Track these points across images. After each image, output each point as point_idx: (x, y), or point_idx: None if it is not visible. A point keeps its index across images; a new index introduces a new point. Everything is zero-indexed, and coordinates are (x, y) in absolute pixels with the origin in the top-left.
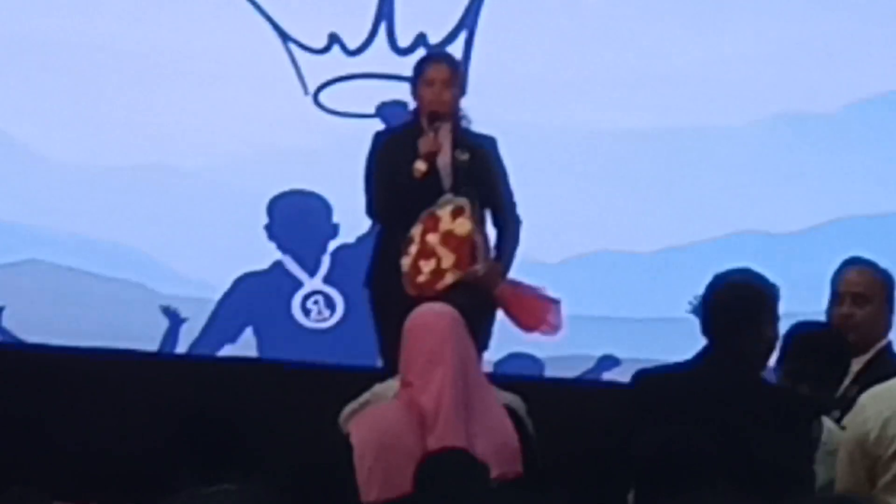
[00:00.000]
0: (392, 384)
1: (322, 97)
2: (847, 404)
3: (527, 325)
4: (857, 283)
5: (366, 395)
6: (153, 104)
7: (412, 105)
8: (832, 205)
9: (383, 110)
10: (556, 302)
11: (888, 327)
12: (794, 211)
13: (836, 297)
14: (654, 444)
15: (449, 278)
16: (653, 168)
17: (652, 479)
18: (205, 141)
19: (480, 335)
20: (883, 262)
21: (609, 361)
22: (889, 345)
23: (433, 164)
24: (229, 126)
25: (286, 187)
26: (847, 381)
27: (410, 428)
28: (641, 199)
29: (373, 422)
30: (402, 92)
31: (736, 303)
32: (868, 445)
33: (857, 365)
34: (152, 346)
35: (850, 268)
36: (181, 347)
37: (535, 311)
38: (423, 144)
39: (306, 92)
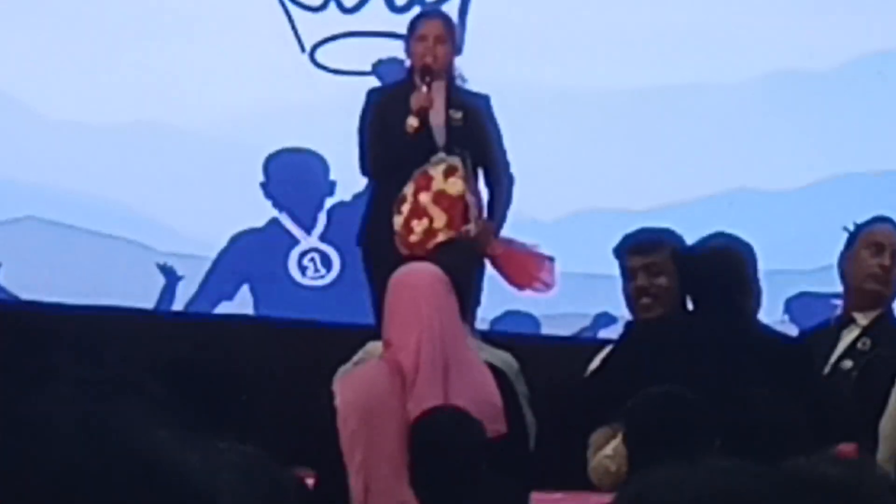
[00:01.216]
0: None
1: (319, 55)
2: (858, 355)
3: (519, 282)
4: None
5: (359, 354)
6: (151, 62)
7: (408, 63)
8: (828, 162)
9: (379, 68)
10: (549, 259)
11: None
12: (789, 168)
13: (876, 248)
14: (648, 405)
15: (441, 238)
16: (647, 125)
17: (648, 441)
18: (202, 99)
19: (468, 294)
20: None
21: (605, 319)
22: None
23: (426, 120)
24: (227, 84)
25: (283, 145)
26: (856, 333)
27: (393, 389)
28: (636, 157)
29: (356, 384)
30: (399, 50)
31: (722, 271)
32: None
33: (864, 319)
34: (149, 303)
35: (886, 224)
36: (178, 305)
37: (528, 268)
38: (415, 100)
39: (303, 50)
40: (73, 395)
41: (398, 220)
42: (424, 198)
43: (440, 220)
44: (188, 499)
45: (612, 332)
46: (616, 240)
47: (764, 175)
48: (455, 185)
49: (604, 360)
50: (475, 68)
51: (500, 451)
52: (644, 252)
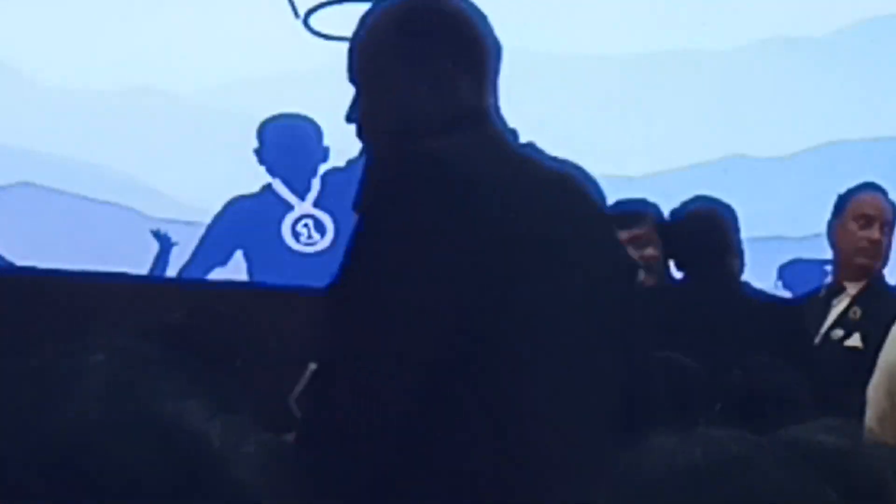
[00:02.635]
0: None
1: (312, 20)
2: (850, 324)
3: None
4: (887, 211)
5: None
6: (144, 28)
7: None
8: (822, 129)
9: None
10: None
11: None
12: (783, 135)
13: (865, 220)
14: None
15: None
16: (640, 92)
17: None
18: (195, 64)
19: None
20: None
21: None
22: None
23: None
24: (220, 50)
25: (276, 111)
26: (847, 302)
27: None
28: (629, 123)
29: None
30: None
31: (708, 234)
32: None
33: (854, 288)
34: (142, 269)
35: (875, 193)
36: (171, 271)
37: None
38: None
39: (297, 15)
40: (105, 360)
41: None
42: None
43: None
44: (203, 467)
45: None
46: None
47: (758, 142)
48: None
49: None
50: None
51: None
52: (629, 225)
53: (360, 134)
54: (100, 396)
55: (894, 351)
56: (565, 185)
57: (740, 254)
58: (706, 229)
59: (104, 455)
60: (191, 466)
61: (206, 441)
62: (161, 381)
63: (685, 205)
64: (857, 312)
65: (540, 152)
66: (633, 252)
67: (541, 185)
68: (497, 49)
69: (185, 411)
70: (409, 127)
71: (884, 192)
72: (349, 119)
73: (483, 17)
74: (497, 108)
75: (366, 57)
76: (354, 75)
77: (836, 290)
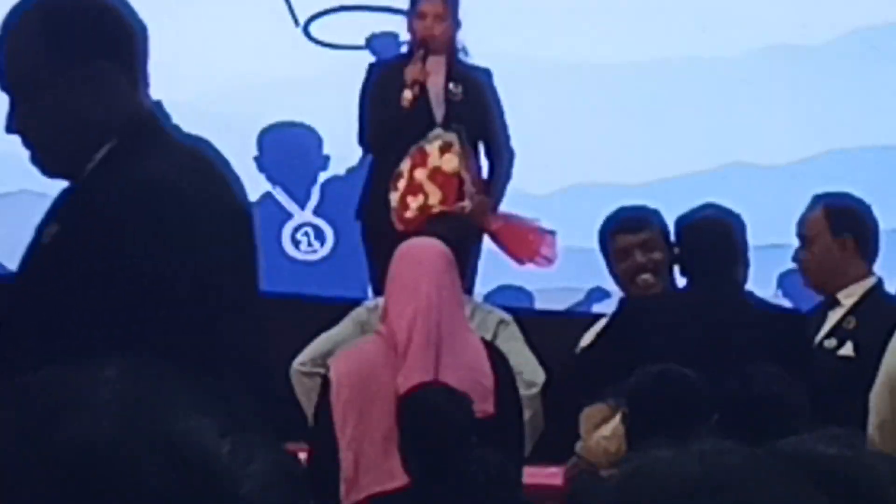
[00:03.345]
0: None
1: (313, 29)
2: (843, 334)
3: (520, 257)
4: (802, 225)
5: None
6: None
7: (403, 36)
8: (822, 137)
9: (373, 42)
10: (550, 233)
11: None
12: (785, 143)
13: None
14: (647, 383)
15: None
16: (643, 99)
17: (646, 419)
18: (195, 72)
19: (465, 269)
20: (873, 195)
21: (599, 294)
22: (879, 281)
23: (424, 94)
24: (221, 57)
25: (277, 119)
26: (842, 313)
27: (386, 362)
28: (631, 131)
29: (350, 356)
30: (392, 23)
31: (715, 242)
32: None
33: (848, 299)
34: None
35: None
36: None
37: (529, 243)
38: (409, 73)
39: (297, 24)
40: (118, 375)
41: (394, 197)
42: (420, 174)
43: (435, 196)
44: (211, 483)
45: (606, 307)
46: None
47: (758, 149)
48: (450, 162)
49: (598, 335)
50: (469, 42)
51: (490, 428)
52: (636, 230)
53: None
54: (112, 410)
55: (895, 358)
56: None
57: (746, 262)
58: (713, 236)
59: (114, 467)
60: (199, 481)
61: (215, 459)
62: (173, 397)
63: (694, 212)
64: (850, 322)
65: (211, 147)
66: (640, 257)
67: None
68: (144, 33)
69: (196, 429)
70: (82, 137)
71: (817, 200)
72: (9, 129)
73: (125, 3)
74: (154, 103)
75: (16, 62)
76: (5, 81)
77: (832, 301)
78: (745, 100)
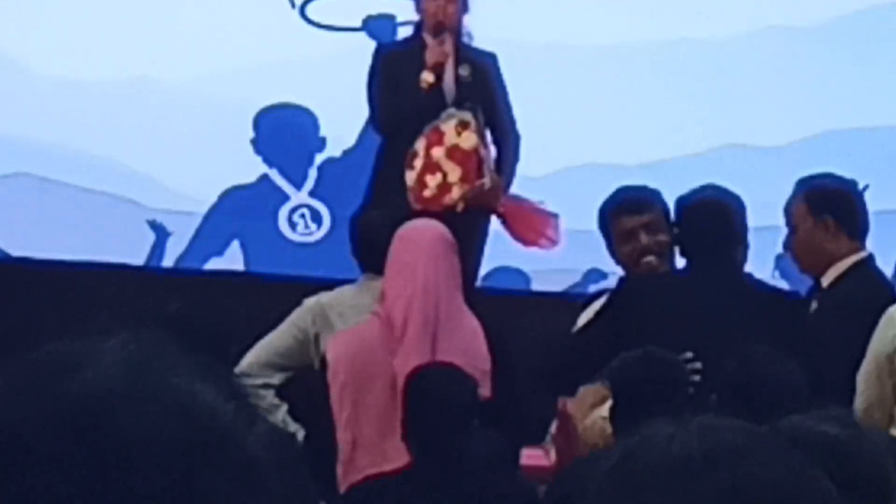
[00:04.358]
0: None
1: (309, 11)
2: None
3: (526, 239)
4: (786, 213)
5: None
6: (142, 18)
7: (399, 18)
8: (819, 118)
9: (370, 24)
10: (554, 216)
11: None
12: (781, 124)
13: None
14: (630, 366)
15: (455, 192)
16: (639, 81)
17: (629, 401)
18: (192, 54)
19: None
20: (870, 176)
21: (596, 275)
22: (869, 257)
23: (440, 76)
24: (217, 40)
25: (273, 101)
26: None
27: (384, 343)
28: (628, 112)
29: (347, 338)
30: (389, 5)
31: (715, 223)
32: None
33: (827, 279)
34: (139, 259)
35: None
36: (168, 261)
37: (534, 225)
38: (431, 55)
39: (293, 5)
40: (121, 344)
41: (411, 176)
42: (437, 153)
43: (454, 174)
44: (217, 437)
45: (602, 288)
46: (607, 194)
47: (755, 131)
48: (469, 140)
49: (598, 314)
50: (471, 26)
51: (487, 411)
52: (640, 211)
53: None
54: (117, 370)
55: (883, 340)
56: None
57: (745, 244)
58: (713, 218)
59: (121, 417)
60: (206, 434)
61: (220, 416)
62: (176, 362)
63: (694, 192)
64: (828, 299)
65: None
66: (644, 238)
67: None
68: None
69: (200, 390)
70: None
71: (799, 185)
72: None
73: None
74: None
75: None
76: None
77: (819, 282)
78: (743, 81)
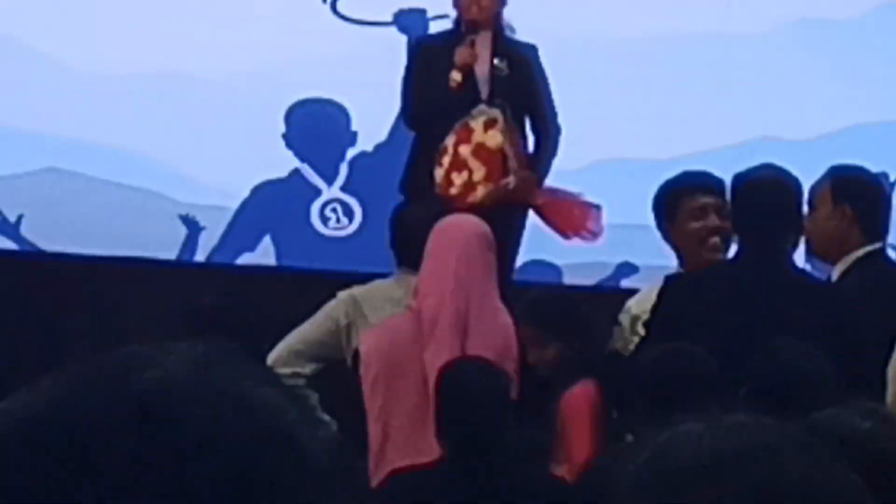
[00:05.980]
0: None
1: (340, 5)
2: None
3: (566, 231)
4: (811, 192)
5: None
6: (173, 12)
7: (431, 13)
8: (851, 111)
9: (401, 18)
10: (595, 207)
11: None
12: (811, 117)
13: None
14: (661, 360)
15: (480, 191)
16: (669, 74)
17: (659, 397)
18: (224, 49)
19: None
20: None
21: (627, 268)
22: (880, 249)
23: (469, 74)
24: (249, 34)
25: (304, 95)
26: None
27: (416, 338)
28: (659, 106)
29: (380, 332)
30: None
31: (774, 201)
32: None
33: (836, 272)
34: (171, 254)
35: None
36: (199, 256)
37: (575, 217)
38: (459, 55)
39: (324, 0)
40: (187, 348)
41: (439, 173)
42: (464, 150)
43: (479, 172)
44: (282, 438)
45: (634, 282)
46: (637, 188)
47: (786, 124)
48: (494, 138)
49: (646, 326)
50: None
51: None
52: (717, 192)
53: None
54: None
55: None
56: None
57: (798, 228)
58: (766, 198)
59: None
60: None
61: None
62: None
63: (751, 172)
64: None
65: None
66: (716, 219)
67: None
68: None
69: (266, 393)
70: None
71: (830, 170)
72: None
73: None
74: None
75: None
76: None
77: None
78: (773, 74)
